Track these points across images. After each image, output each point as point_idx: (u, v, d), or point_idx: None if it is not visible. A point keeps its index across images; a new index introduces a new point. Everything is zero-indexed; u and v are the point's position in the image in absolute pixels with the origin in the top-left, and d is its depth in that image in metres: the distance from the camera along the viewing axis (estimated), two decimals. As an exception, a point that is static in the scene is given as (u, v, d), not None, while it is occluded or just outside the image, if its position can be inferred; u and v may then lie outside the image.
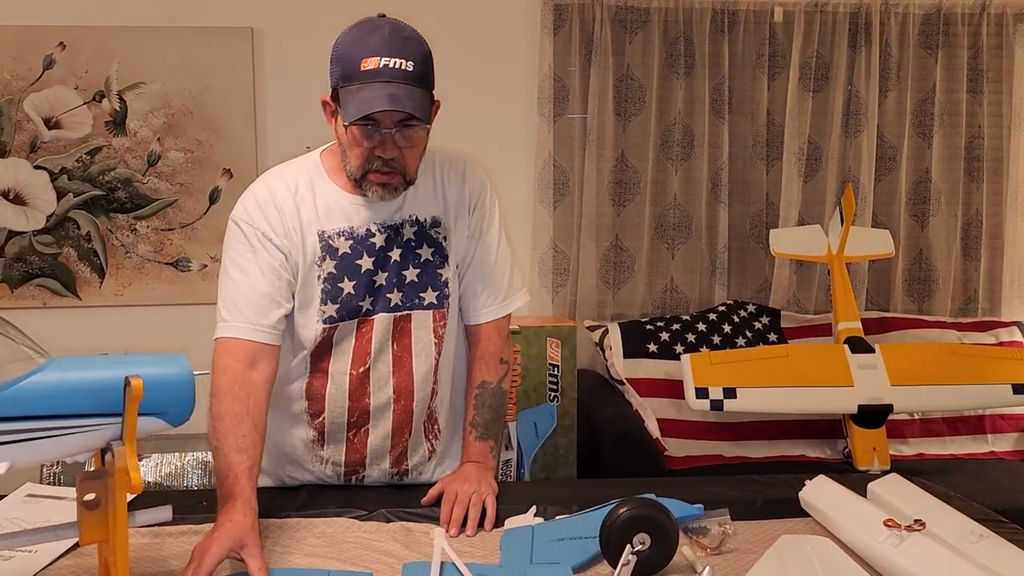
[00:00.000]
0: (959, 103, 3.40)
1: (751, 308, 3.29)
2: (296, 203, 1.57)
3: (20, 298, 3.15)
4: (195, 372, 1.18)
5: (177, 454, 2.81)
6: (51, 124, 3.11)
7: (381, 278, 1.60)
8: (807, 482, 1.56)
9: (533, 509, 1.54)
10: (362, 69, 1.44)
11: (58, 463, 2.60)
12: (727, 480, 1.74)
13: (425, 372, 1.65)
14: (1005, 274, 3.50)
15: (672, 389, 3.01)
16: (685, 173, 3.35)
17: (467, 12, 3.25)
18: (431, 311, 1.64)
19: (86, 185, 3.14)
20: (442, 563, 1.30)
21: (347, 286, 1.58)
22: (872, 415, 2.71)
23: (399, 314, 1.61)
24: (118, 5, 3.10)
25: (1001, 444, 3.12)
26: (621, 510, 1.29)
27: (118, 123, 3.13)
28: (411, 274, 1.62)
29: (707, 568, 1.19)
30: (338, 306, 1.58)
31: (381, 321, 1.60)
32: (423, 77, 1.48)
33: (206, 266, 3.20)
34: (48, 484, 2.47)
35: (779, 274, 3.39)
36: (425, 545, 1.41)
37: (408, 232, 1.61)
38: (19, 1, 3.08)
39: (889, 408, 2.69)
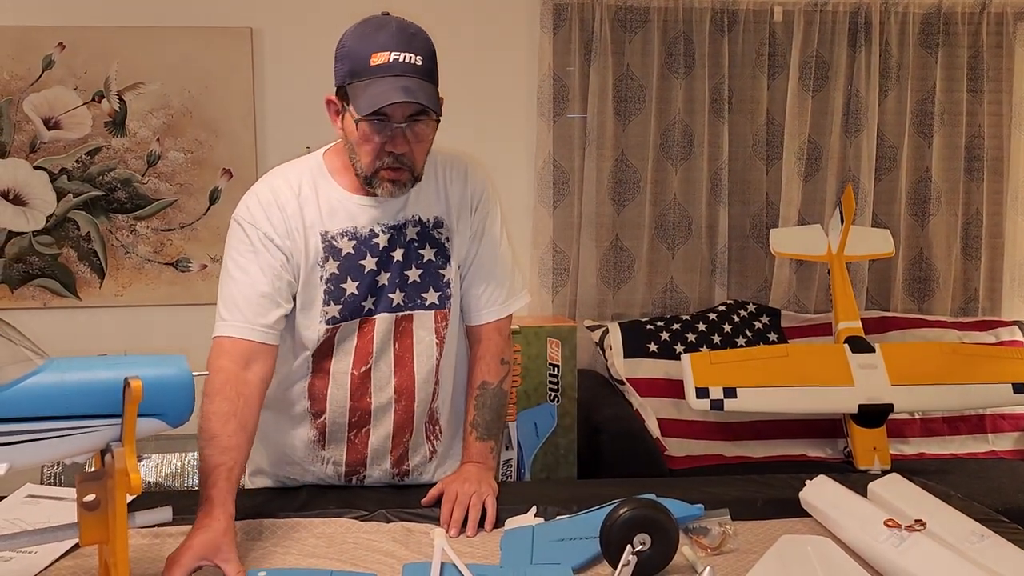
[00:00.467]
0: (959, 102, 3.40)
1: (751, 308, 3.29)
2: (299, 203, 1.57)
3: (20, 299, 3.15)
4: (194, 373, 1.18)
5: (177, 455, 2.81)
6: (51, 124, 3.11)
7: (383, 278, 1.60)
8: (807, 482, 1.56)
9: (533, 509, 1.54)
10: (372, 64, 1.44)
11: (58, 464, 2.60)
12: (727, 480, 1.74)
13: (426, 372, 1.65)
14: (1005, 273, 3.50)
15: (672, 389, 3.01)
16: (685, 173, 3.35)
17: (467, 12, 3.25)
18: (433, 311, 1.64)
19: (86, 185, 3.14)
20: (442, 563, 1.30)
21: (350, 286, 1.58)
22: (872, 415, 2.71)
23: (401, 314, 1.61)
24: (117, 5, 3.10)
25: (1001, 443, 3.12)
26: (621, 510, 1.29)
27: (118, 123, 3.13)
28: (413, 274, 1.62)
29: (707, 568, 1.19)
30: (341, 306, 1.58)
31: (383, 321, 1.60)
32: (431, 72, 1.49)
33: (206, 266, 3.20)
34: (48, 485, 2.47)
35: (779, 274, 3.39)
36: (425, 545, 1.41)
37: (411, 232, 1.61)
38: (18, 1, 3.08)
39: (889, 408, 2.69)
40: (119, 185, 3.16)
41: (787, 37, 3.34)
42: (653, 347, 3.12)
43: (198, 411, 1.32)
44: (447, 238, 1.64)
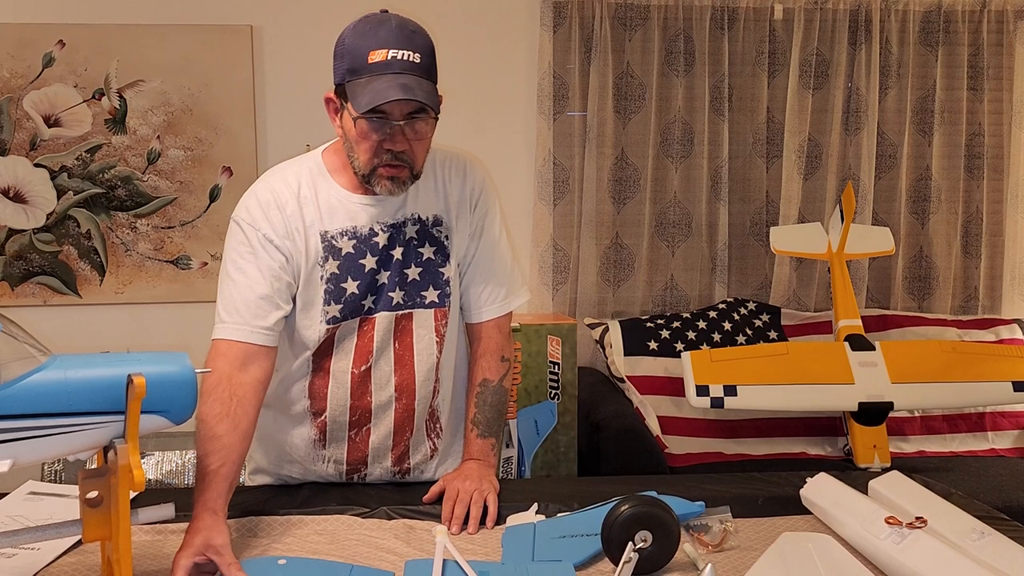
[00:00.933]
0: (959, 100, 3.40)
1: (751, 306, 3.29)
2: (299, 203, 1.57)
3: (20, 296, 3.15)
4: (196, 370, 1.18)
5: (179, 452, 2.81)
6: (51, 122, 3.11)
7: (383, 277, 1.60)
8: (808, 479, 1.56)
9: (535, 507, 1.54)
10: (370, 61, 1.44)
11: (60, 461, 2.60)
12: (728, 478, 1.75)
13: (427, 371, 1.65)
14: (1005, 271, 3.50)
15: (672, 387, 3.02)
16: (685, 171, 3.36)
17: (467, 9, 3.25)
18: (432, 310, 1.64)
19: (86, 183, 3.14)
20: (444, 561, 1.30)
21: (350, 286, 1.58)
22: (872, 412, 2.71)
23: (401, 313, 1.61)
24: (117, 3, 3.10)
25: (1001, 441, 3.12)
26: (623, 508, 1.29)
27: (118, 121, 3.13)
28: (413, 273, 1.62)
29: (708, 565, 1.19)
30: (341, 306, 1.57)
31: (383, 320, 1.60)
32: (430, 69, 1.48)
33: (206, 264, 3.20)
34: (50, 482, 2.47)
35: (779, 272, 3.39)
36: (427, 543, 1.41)
37: (410, 231, 1.61)
38: (19, -1, 3.08)
39: (889, 406, 2.69)
40: (119, 183, 3.15)
41: (787, 35, 3.34)
42: (653, 345, 3.12)
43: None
44: (446, 236, 1.64)
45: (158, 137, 3.15)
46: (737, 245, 3.42)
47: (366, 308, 1.59)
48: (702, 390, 2.64)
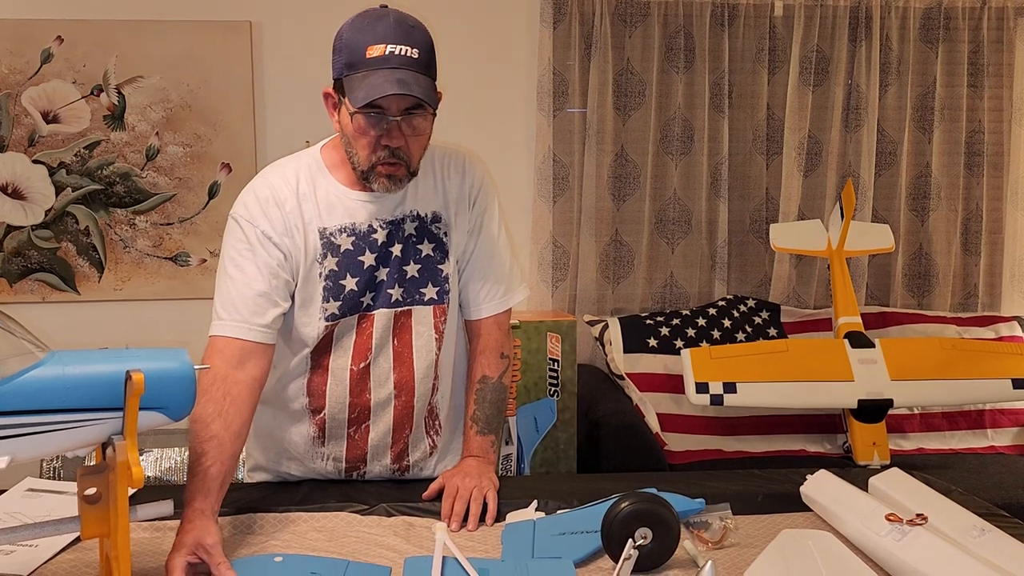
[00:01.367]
0: (959, 98, 3.40)
1: (751, 303, 3.29)
2: (298, 200, 1.56)
3: (19, 293, 3.15)
4: (195, 366, 1.18)
5: (178, 448, 2.80)
6: (49, 118, 3.11)
7: (382, 273, 1.59)
8: (808, 476, 1.56)
9: (534, 503, 1.54)
10: (368, 56, 1.43)
11: (58, 458, 2.59)
12: (728, 474, 1.74)
13: (426, 368, 1.65)
14: (1005, 269, 3.50)
15: (672, 384, 3.01)
16: (685, 168, 3.35)
17: (466, 6, 3.25)
18: (431, 307, 1.63)
19: (84, 179, 3.13)
20: (443, 557, 1.30)
21: (349, 283, 1.57)
22: (872, 410, 2.71)
23: (399, 310, 1.61)
24: (116, -1, 3.10)
25: (1001, 439, 3.12)
26: (623, 505, 1.29)
27: (116, 117, 3.13)
28: (412, 269, 1.61)
29: (708, 562, 1.19)
30: (340, 303, 1.57)
31: (382, 317, 1.60)
32: (428, 65, 1.47)
33: (205, 260, 3.20)
34: (48, 479, 2.47)
35: (779, 269, 3.39)
36: (426, 540, 1.41)
37: (409, 227, 1.61)
38: (17, -5, 3.08)
39: (889, 403, 2.69)
40: (118, 179, 3.15)
41: (787, 32, 3.34)
42: (653, 342, 3.12)
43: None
44: (445, 233, 1.64)
45: (157, 133, 3.14)
46: (737, 242, 3.41)
47: (365, 305, 1.59)
48: (701, 387, 2.64)
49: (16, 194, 3.12)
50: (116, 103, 3.12)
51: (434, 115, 1.51)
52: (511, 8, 3.27)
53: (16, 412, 1.06)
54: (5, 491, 1.59)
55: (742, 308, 3.25)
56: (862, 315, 2.98)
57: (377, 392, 1.63)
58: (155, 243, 3.19)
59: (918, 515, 1.30)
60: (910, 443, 3.09)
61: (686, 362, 2.68)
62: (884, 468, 1.62)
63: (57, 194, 3.13)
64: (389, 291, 1.59)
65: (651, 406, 2.93)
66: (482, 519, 1.49)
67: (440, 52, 1.52)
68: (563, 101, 3.28)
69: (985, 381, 2.74)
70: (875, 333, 3.07)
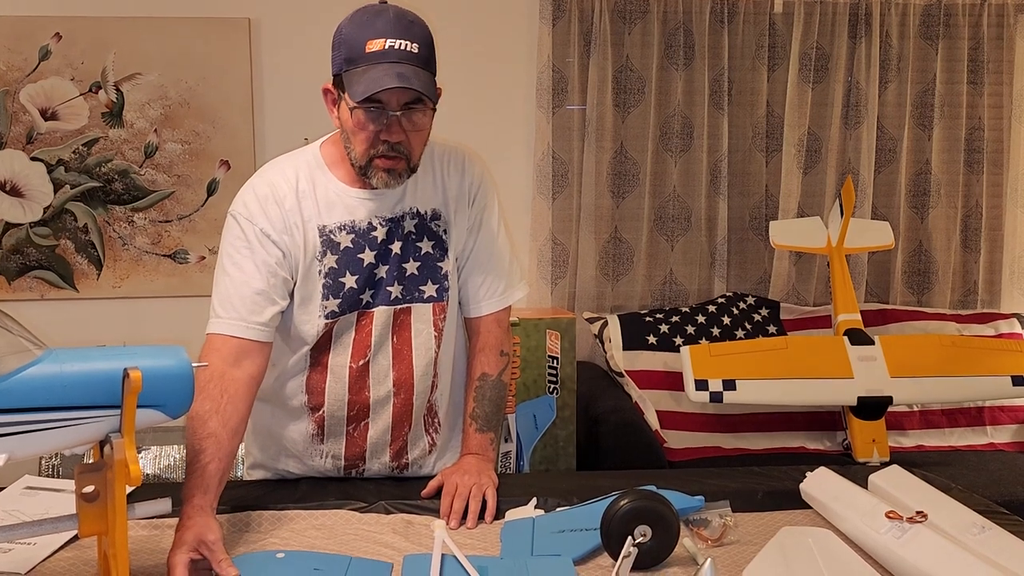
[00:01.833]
0: (959, 94, 3.39)
1: (750, 300, 3.28)
2: (297, 198, 1.56)
3: (17, 290, 3.14)
4: (193, 364, 1.18)
5: (176, 446, 2.80)
6: (47, 115, 3.10)
7: (382, 271, 1.59)
8: (808, 474, 1.56)
9: (533, 501, 1.53)
10: (367, 51, 1.43)
11: (56, 455, 2.59)
12: (727, 472, 1.74)
13: (425, 365, 1.64)
14: (1005, 266, 3.50)
15: (671, 381, 3.01)
16: (684, 165, 3.35)
17: (466, 3, 3.24)
18: (431, 304, 1.63)
19: (83, 177, 3.13)
20: (443, 555, 1.30)
21: (349, 280, 1.57)
22: (872, 407, 2.71)
23: (399, 307, 1.61)
24: (114, -5, 3.09)
25: (1000, 436, 3.12)
26: (622, 502, 1.29)
27: (115, 114, 3.12)
28: (411, 267, 1.61)
29: (708, 560, 1.19)
30: (340, 300, 1.57)
31: (381, 314, 1.60)
32: (428, 60, 1.47)
33: (204, 258, 3.19)
34: (47, 476, 2.47)
35: (778, 266, 3.39)
36: (425, 537, 1.40)
37: (409, 225, 1.60)
38: (15, -9, 3.07)
39: (888, 400, 2.69)
40: (116, 176, 3.14)
41: (787, 28, 3.33)
42: (652, 339, 3.12)
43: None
44: (445, 230, 1.64)
45: (155, 130, 3.14)
46: (736, 239, 3.41)
47: (364, 303, 1.59)
48: (701, 384, 2.64)
49: (15, 191, 3.11)
50: (114, 100, 3.11)
51: (434, 110, 1.51)
52: (510, 5, 3.26)
53: (13, 410, 1.06)
54: (3, 488, 1.59)
55: (742, 305, 3.25)
56: (862, 312, 2.98)
57: (376, 390, 1.63)
58: (154, 240, 3.18)
59: (918, 512, 1.30)
60: (910, 440, 3.09)
61: (685, 359, 2.68)
62: (884, 465, 1.62)
63: (55, 191, 3.12)
64: (388, 289, 1.59)
65: (650, 403, 2.93)
66: (481, 517, 1.49)
67: (439, 49, 1.51)
68: (562, 98, 3.27)
69: (985, 378, 2.74)
70: (875, 330, 3.06)
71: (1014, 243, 3.49)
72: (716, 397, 2.63)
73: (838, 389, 2.70)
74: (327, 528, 1.43)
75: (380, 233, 1.58)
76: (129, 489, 1.15)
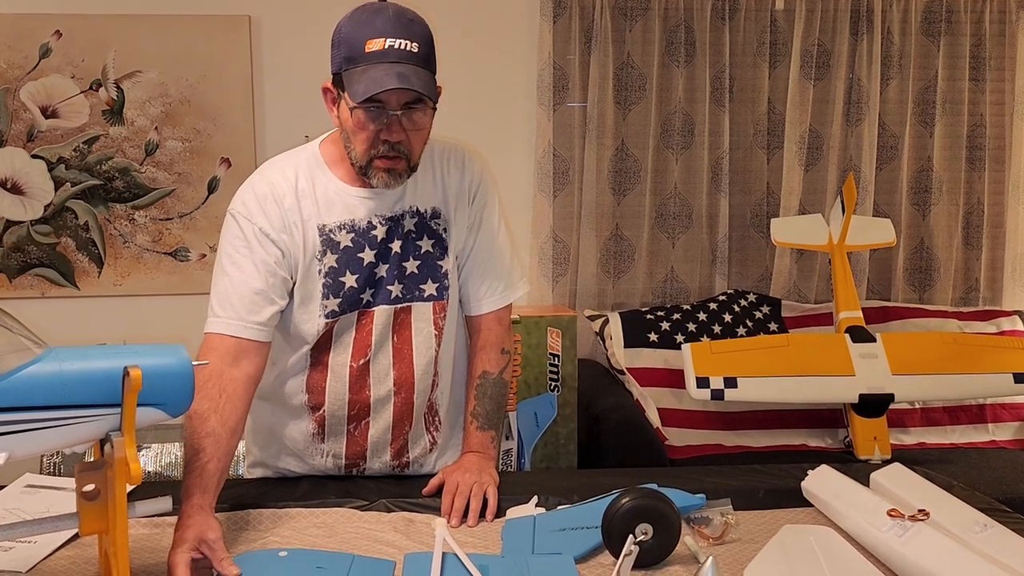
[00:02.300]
0: (961, 91, 3.39)
1: (752, 297, 3.28)
2: (297, 197, 1.55)
3: (18, 288, 3.14)
4: (194, 362, 1.17)
5: (176, 444, 2.80)
6: (48, 113, 3.10)
7: (382, 270, 1.58)
8: (809, 472, 1.55)
9: (534, 499, 1.53)
10: (367, 50, 1.42)
11: (57, 454, 2.59)
12: (729, 470, 1.74)
13: (425, 364, 1.64)
14: (1006, 263, 3.50)
15: (673, 379, 3.01)
16: (685, 162, 3.34)
17: (466, 0, 3.23)
18: (431, 303, 1.63)
19: (84, 175, 3.13)
20: (444, 554, 1.29)
21: (349, 279, 1.56)
22: (873, 404, 2.71)
23: (399, 306, 1.60)
24: (115, -7, 3.09)
25: (1002, 433, 3.12)
26: (623, 500, 1.28)
27: (115, 112, 3.12)
28: (411, 266, 1.61)
29: (709, 558, 1.18)
30: (340, 300, 1.56)
31: (381, 313, 1.59)
32: (428, 59, 1.47)
33: (204, 256, 3.19)
34: (49, 475, 2.47)
35: (780, 263, 3.38)
36: (426, 535, 1.40)
37: (409, 224, 1.60)
38: (15, -11, 3.07)
39: (890, 397, 2.69)
40: (117, 174, 3.14)
41: (788, 25, 3.32)
42: (653, 337, 3.11)
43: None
44: (445, 229, 1.63)
45: (156, 128, 3.13)
46: (737, 237, 3.41)
47: (364, 302, 1.58)
48: (702, 382, 2.63)
49: (15, 189, 3.11)
50: (115, 98, 3.11)
51: (434, 109, 1.51)
52: (511, 2, 3.26)
53: (13, 408, 1.06)
54: (4, 487, 1.58)
55: (743, 303, 3.25)
56: (863, 309, 2.97)
57: (377, 389, 1.63)
58: (154, 238, 3.18)
59: (920, 510, 1.30)
60: (911, 438, 3.09)
61: (687, 357, 2.68)
62: (885, 463, 1.62)
63: (56, 189, 3.12)
64: (389, 288, 1.59)
65: (652, 401, 2.93)
66: (482, 515, 1.49)
67: (440, 47, 1.51)
68: (563, 95, 3.27)
69: (986, 375, 2.73)
70: (876, 327, 3.06)
71: (1016, 240, 3.48)
72: (717, 395, 2.63)
73: (840, 386, 2.70)
74: (328, 526, 1.43)
75: (380, 232, 1.58)
76: (129, 487, 1.15)
